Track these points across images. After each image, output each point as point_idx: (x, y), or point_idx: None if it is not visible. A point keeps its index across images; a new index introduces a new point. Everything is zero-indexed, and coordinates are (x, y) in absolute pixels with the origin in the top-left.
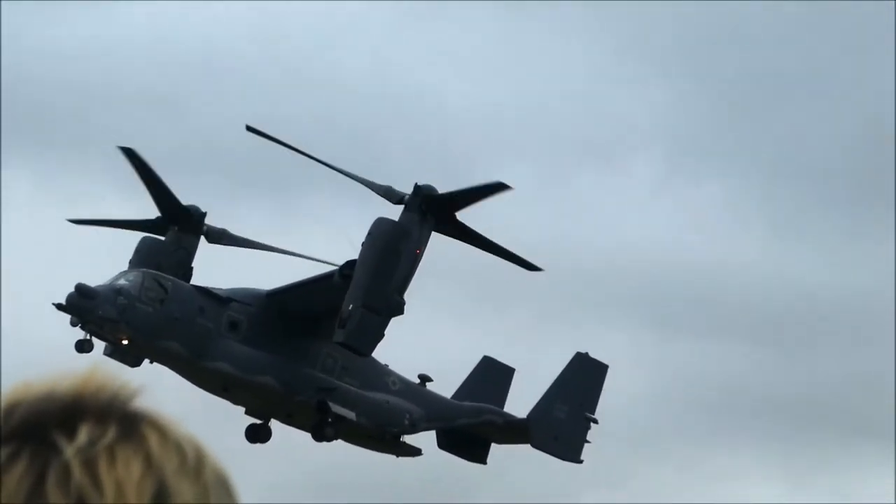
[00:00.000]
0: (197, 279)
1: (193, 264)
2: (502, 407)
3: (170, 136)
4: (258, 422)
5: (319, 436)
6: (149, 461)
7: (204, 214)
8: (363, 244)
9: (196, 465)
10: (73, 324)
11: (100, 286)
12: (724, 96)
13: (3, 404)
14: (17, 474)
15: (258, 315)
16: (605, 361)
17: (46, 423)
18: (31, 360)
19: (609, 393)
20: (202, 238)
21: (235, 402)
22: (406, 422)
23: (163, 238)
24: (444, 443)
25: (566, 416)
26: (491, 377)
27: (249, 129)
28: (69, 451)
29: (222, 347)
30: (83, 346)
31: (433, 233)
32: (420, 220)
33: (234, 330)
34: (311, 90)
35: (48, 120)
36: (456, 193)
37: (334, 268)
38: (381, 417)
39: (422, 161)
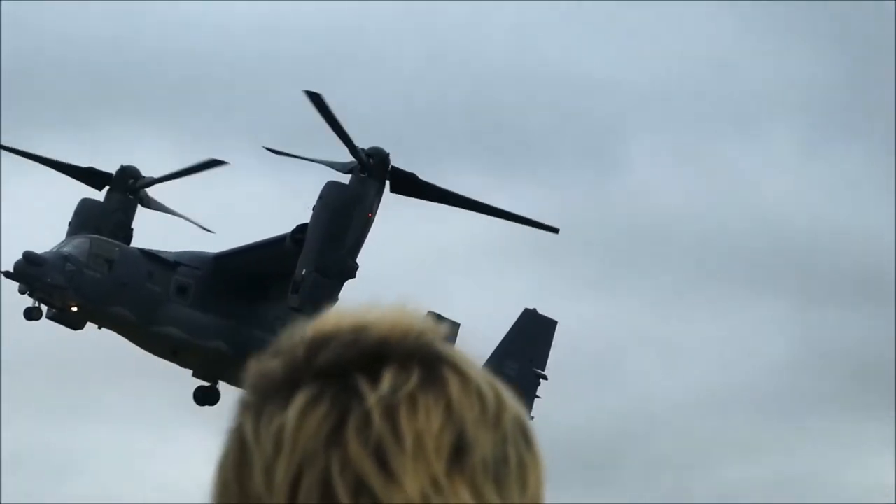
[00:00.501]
0: (135, 242)
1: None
2: None
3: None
4: (206, 384)
5: None
6: (449, 410)
7: (140, 176)
8: (314, 208)
9: (496, 412)
10: (22, 291)
11: (47, 253)
12: (866, 58)
13: (307, 339)
14: (318, 417)
15: (206, 279)
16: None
17: (350, 366)
18: None
19: (751, 360)
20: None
21: (183, 365)
22: None
23: (100, 199)
24: None
25: (516, 374)
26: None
27: (268, 149)
28: (371, 398)
29: (171, 312)
30: (32, 314)
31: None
32: (372, 183)
33: (182, 294)
34: (451, 68)
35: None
36: (419, 180)
37: (286, 232)
38: None
39: (563, 134)
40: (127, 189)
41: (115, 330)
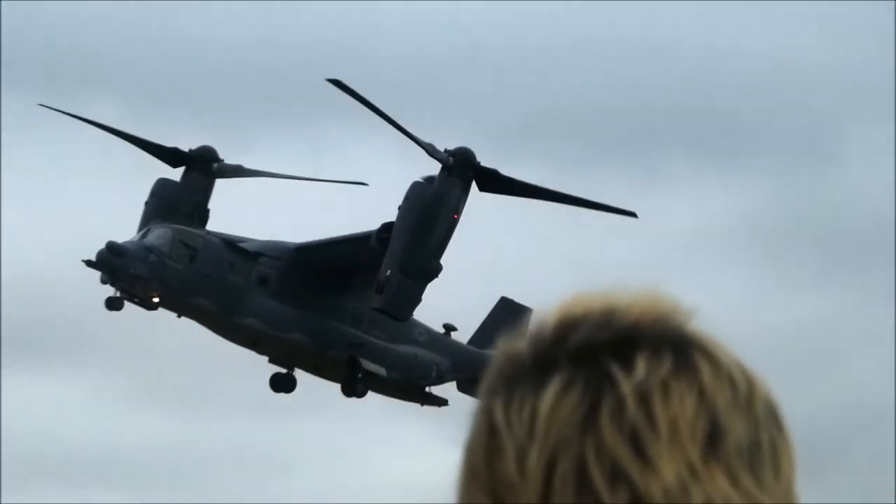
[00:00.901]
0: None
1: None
2: None
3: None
4: (283, 371)
5: (350, 391)
6: (702, 396)
7: (218, 158)
8: (400, 208)
9: (747, 396)
10: (104, 281)
11: (130, 243)
12: None
13: (555, 322)
14: (572, 403)
15: (287, 270)
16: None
17: (601, 351)
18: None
19: None
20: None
21: (261, 353)
22: (434, 374)
23: (176, 179)
24: (466, 386)
25: None
26: (509, 319)
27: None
28: (626, 385)
29: (252, 303)
30: (113, 304)
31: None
32: (457, 183)
33: (263, 285)
34: (666, 60)
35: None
36: (501, 176)
37: (371, 230)
38: (411, 370)
39: (781, 126)
40: (207, 171)
41: (195, 320)
